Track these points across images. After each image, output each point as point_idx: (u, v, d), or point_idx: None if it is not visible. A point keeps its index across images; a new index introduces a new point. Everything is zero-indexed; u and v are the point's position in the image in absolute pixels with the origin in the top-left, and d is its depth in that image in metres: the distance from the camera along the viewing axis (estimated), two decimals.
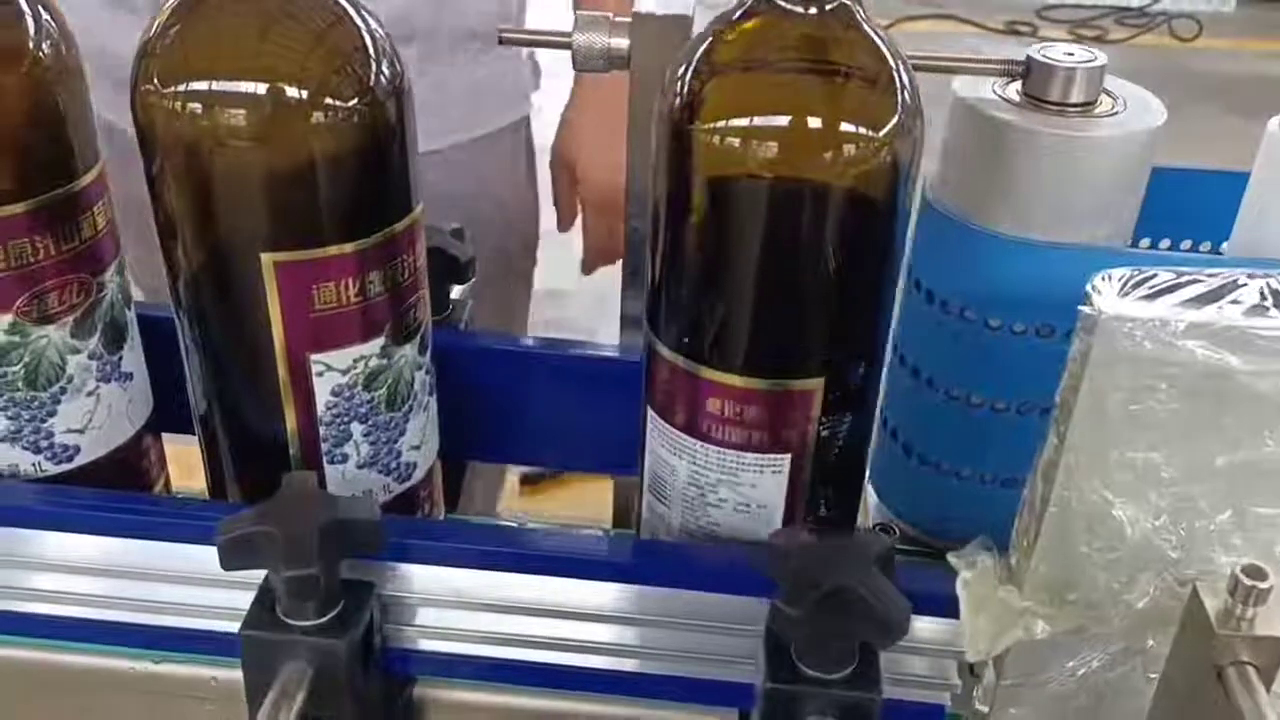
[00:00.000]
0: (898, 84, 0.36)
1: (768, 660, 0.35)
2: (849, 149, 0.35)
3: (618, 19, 0.44)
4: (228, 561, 0.35)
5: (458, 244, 0.51)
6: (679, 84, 0.36)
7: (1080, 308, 0.32)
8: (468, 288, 0.54)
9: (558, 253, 0.94)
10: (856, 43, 0.36)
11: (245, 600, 0.39)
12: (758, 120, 0.34)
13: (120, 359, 0.43)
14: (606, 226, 0.83)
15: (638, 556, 0.41)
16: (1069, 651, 0.35)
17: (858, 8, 0.35)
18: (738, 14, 0.36)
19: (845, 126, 0.35)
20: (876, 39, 0.36)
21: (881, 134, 0.35)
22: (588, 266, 0.89)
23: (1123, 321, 0.31)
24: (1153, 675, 0.35)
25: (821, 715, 0.35)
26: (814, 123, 0.35)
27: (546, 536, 0.40)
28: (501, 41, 0.45)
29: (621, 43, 0.43)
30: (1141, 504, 0.33)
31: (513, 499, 1.57)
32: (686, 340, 0.38)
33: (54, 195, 0.39)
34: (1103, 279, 0.32)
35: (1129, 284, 0.32)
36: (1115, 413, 0.32)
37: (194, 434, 0.46)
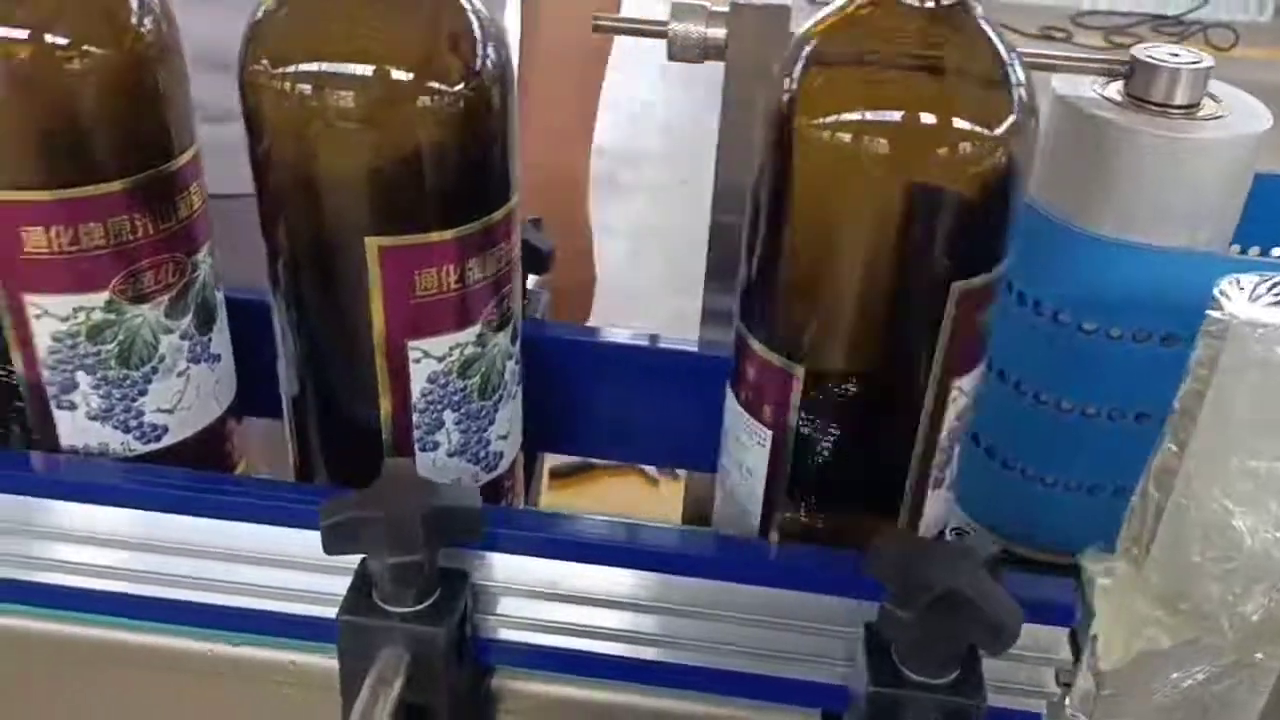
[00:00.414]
0: (1013, 81, 0.35)
1: (869, 663, 0.35)
2: (964, 147, 0.34)
3: (715, 8, 0.43)
4: (330, 545, 0.35)
5: (537, 234, 0.51)
6: (788, 77, 0.35)
7: (1209, 312, 0.31)
8: (542, 279, 0.54)
9: None
10: (972, 38, 0.35)
11: (327, 584, 0.39)
12: (870, 116, 0.34)
13: (210, 340, 0.43)
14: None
15: (728, 552, 0.40)
16: (1175, 663, 0.35)
17: (975, 3, 0.35)
18: (850, 6, 0.35)
19: (961, 124, 0.34)
20: (992, 35, 0.35)
21: (998, 132, 0.34)
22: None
23: (1254, 327, 0.31)
24: (1261, 689, 0.34)
25: None
26: (929, 120, 0.34)
27: (638, 530, 0.40)
28: (596, 29, 0.44)
29: (718, 32, 0.43)
30: (1262, 513, 0.32)
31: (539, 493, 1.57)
32: (782, 337, 0.38)
33: (152, 174, 0.39)
34: (1231, 284, 0.32)
35: (1258, 289, 0.32)
36: (1240, 419, 0.31)
37: (273, 417, 0.46)
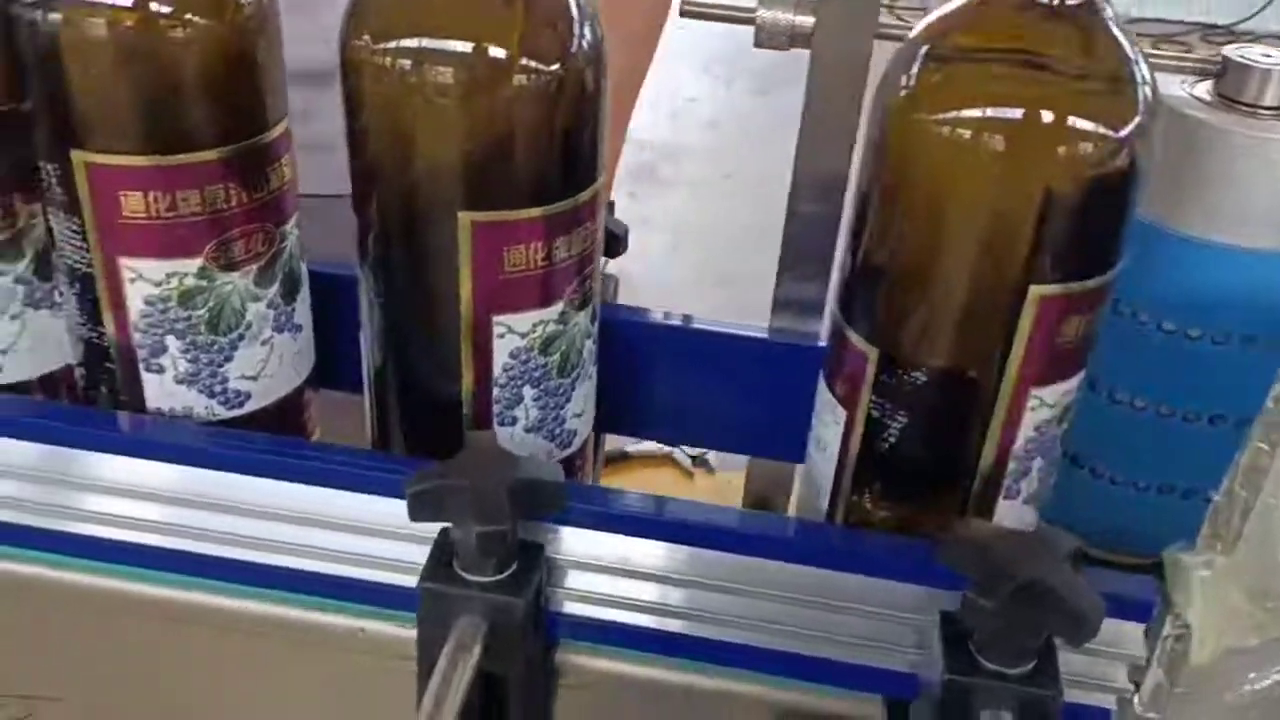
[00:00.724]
0: (1139, 80, 0.35)
1: (945, 651, 0.35)
2: (1087, 148, 0.34)
3: None
4: (415, 513, 0.35)
5: (613, 218, 0.51)
6: (906, 69, 0.35)
7: None
8: (616, 262, 0.54)
9: None
10: (1100, 37, 0.35)
11: (401, 551, 0.39)
12: (992, 113, 0.34)
13: (294, 310, 0.43)
14: None
15: (800, 535, 0.41)
16: (1255, 662, 0.35)
17: (1104, 1, 0.35)
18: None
19: (1085, 124, 0.34)
20: (1119, 33, 0.35)
21: (1123, 133, 0.34)
22: None
23: None
24: None
25: (998, 710, 0.34)
26: (1052, 119, 0.34)
27: (713, 510, 0.40)
28: (684, 14, 0.44)
29: (806, 20, 0.43)
30: None
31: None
32: (862, 316, 0.38)
33: (248, 145, 0.39)
34: None
35: None
36: None
37: (348, 390, 0.47)
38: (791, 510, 0.55)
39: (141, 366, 0.41)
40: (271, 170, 0.40)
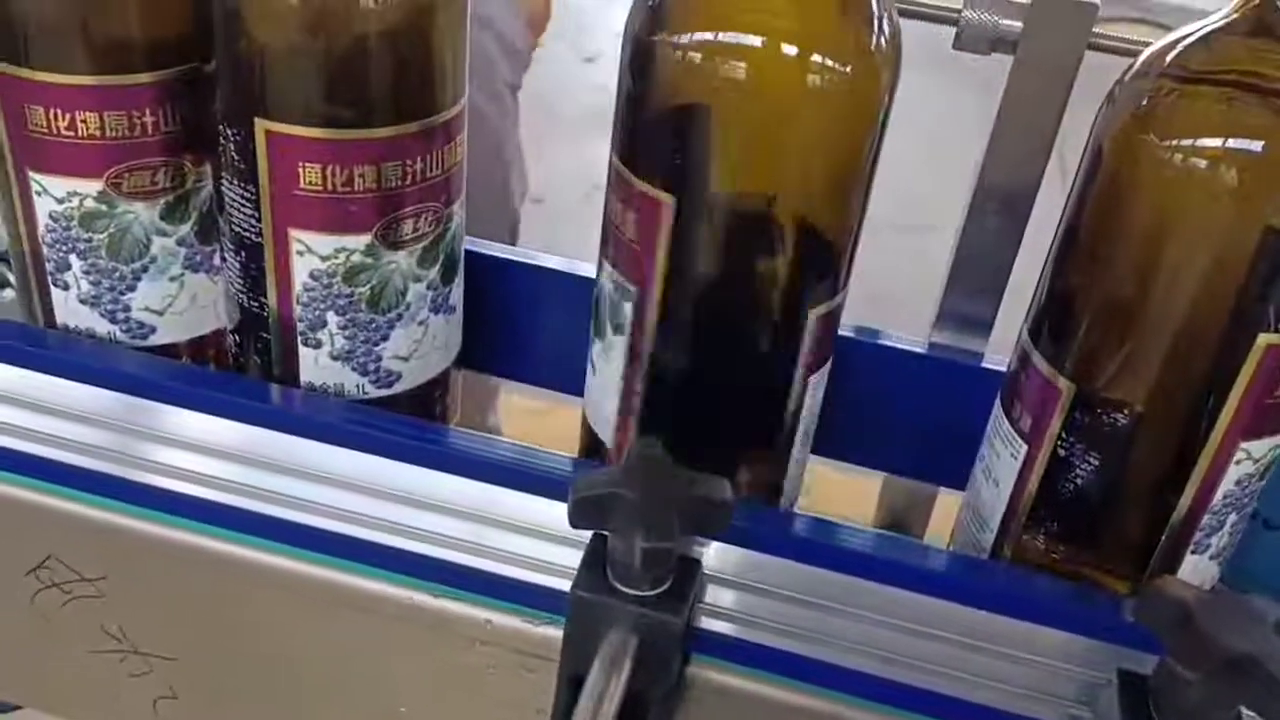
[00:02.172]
0: None
1: (1125, 713, 0.33)
2: None
3: (1012, 0, 0.41)
4: (578, 519, 0.34)
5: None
6: (1135, 92, 0.33)
7: None
8: None
9: None
10: None
11: (535, 549, 0.39)
12: (1228, 144, 0.31)
13: (449, 292, 0.42)
14: None
15: (976, 575, 0.39)
16: None
17: None
18: (1222, 23, 0.32)
19: None
20: None
21: None
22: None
23: None
24: None
25: None
26: None
27: (873, 539, 0.38)
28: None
29: (1013, 25, 0.41)
30: None
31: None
32: (1082, 365, 0.35)
33: (427, 124, 0.38)
34: None
35: None
36: None
37: (489, 373, 0.46)
38: (929, 534, 0.53)
39: (300, 340, 0.40)
40: (445, 150, 0.39)
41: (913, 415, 0.47)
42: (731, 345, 0.38)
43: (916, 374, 0.47)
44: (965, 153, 0.46)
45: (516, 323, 0.50)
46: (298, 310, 0.39)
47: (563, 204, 1.83)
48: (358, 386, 0.41)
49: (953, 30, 0.41)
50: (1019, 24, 0.40)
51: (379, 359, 0.41)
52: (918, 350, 0.47)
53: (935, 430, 0.47)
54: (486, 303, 0.48)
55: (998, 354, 0.47)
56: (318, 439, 0.39)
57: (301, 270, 0.38)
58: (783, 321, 0.37)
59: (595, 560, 0.36)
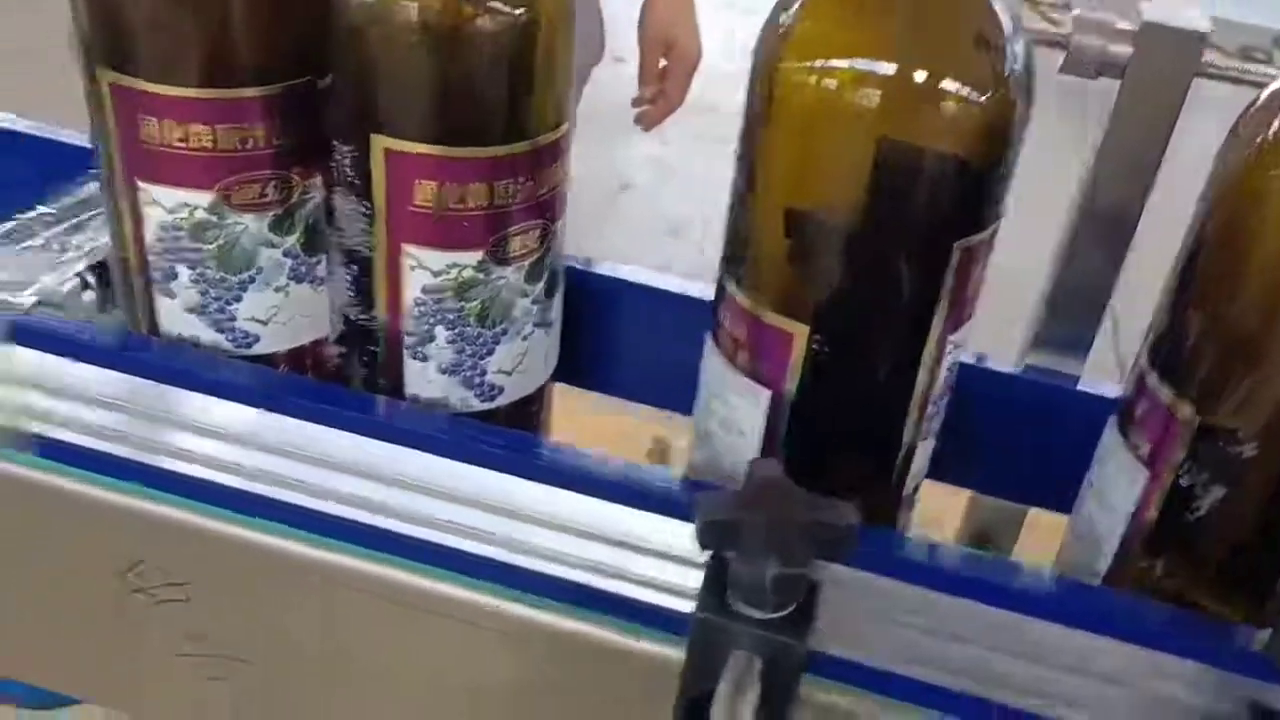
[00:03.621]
0: None
1: None
2: None
3: (1120, 25, 0.41)
4: (706, 541, 0.34)
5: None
6: (1264, 123, 0.33)
7: None
8: None
9: None
10: None
11: (642, 565, 0.39)
12: None
13: (551, 306, 0.42)
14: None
15: (1099, 602, 0.38)
16: None
17: None
18: None
19: None
20: None
21: None
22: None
23: None
24: None
25: None
26: None
27: (993, 563, 0.38)
28: None
29: (1122, 50, 0.40)
30: None
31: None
32: (1210, 394, 0.35)
33: (538, 142, 0.38)
34: None
35: None
36: None
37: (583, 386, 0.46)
38: (1021, 553, 0.53)
39: (407, 354, 0.40)
40: (552, 168, 0.39)
41: (1009, 436, 0.47)
42: (868, 381, 0.38)
43: (1013, 396, 0.47)
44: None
45: (596, 334, 0.50)
46: (407, 324, 0.39)
47: (592, 202, 1.82)
48: (461, 400, 0.41)
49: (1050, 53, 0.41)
50: (1128, 49, 0.40)
51: (484, 373, 0.41)
52: (1014, 373, 0.47)
53: (1027, 452, 0.47)
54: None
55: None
56: (433, 451, 0.39)
57: (413, 285, 0.38)
58: (910, 356, 0.37)
59: (716, 582, 0.35)
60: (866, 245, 0.36)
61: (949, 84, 0.34)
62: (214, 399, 0.40)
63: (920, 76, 0.34)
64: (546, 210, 0.40)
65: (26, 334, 0.40)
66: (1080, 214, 0.44)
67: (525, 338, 0.41)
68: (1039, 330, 0.47)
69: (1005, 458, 0.47)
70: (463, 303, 0.39)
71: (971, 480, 0.49)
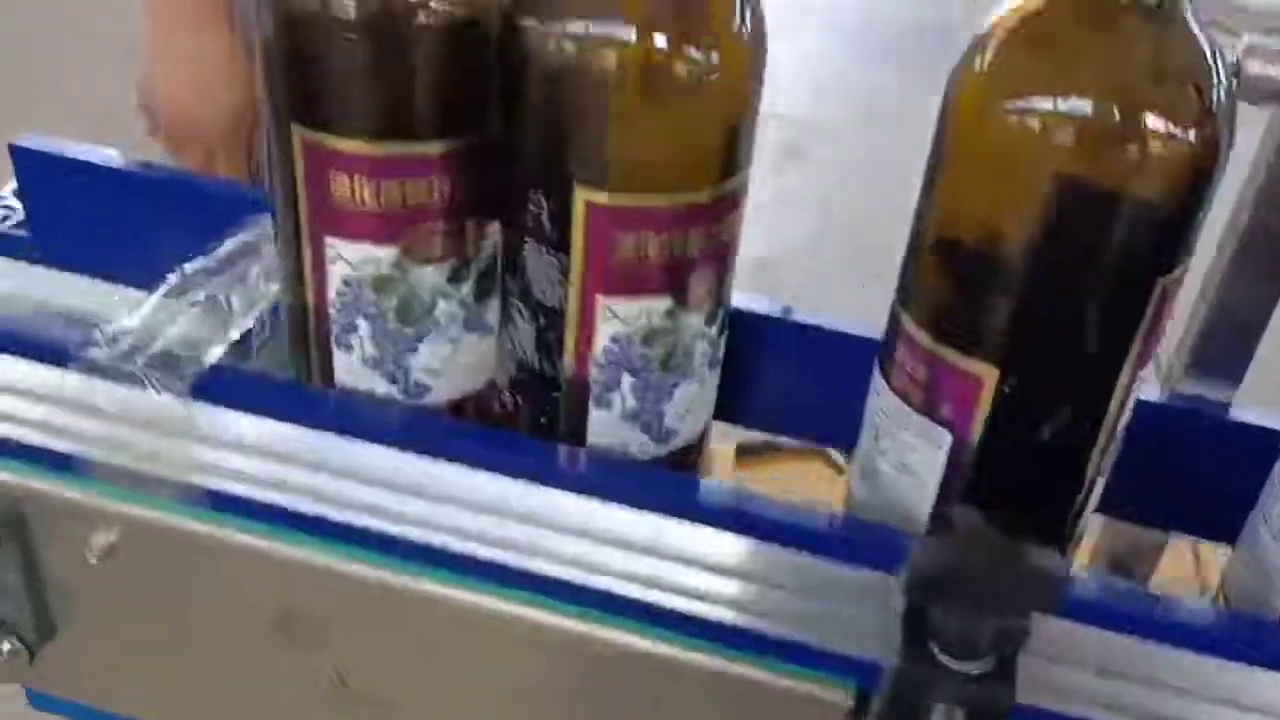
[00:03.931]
0: None
1: None
2: None
3: None
4: (917, 595, 0.34)
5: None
6: None
7: None
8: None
9: None
10: None
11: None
12: None
13: (720, 347, 0.42)
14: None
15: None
16: None
17: None
18: None
19: None
20: None
21: None
22: None
23: None
24: None
25: None
26: None
27: (1196, 609, 0.38)
28: None
29: None
30: None
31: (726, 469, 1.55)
32: None
33: (727, 188, 0.38)
34: None
35: None
36: None
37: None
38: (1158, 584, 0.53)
39: (592, 402, 0.40)
40: (732, 216, 0.39)
41: (1149, 463, 0.47)
42: (1058, 422, 0.38)
43: (1161, 425, 0.47)
44: None
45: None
46: (594, 372, 0.39)
47: None
48: (641, 447, 0.41)
49: None
50: None
51: (662, 417, 0.41)
52: (1162, 401, 0.47)
53: (1173, 481, 0.47)
54: None
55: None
56: (618, 500, 0.39)
57: (604, 334, 0.39)
58: (1102, 395, 0.37)
59: (917, 632, 0.36)
60: (1069, 286, 0.36)
61: (1157, 122, 0.34)
62: (386, 449, 0.40)
63: (1128, 115, 0.34)
64: (727, 256, 0.40)
65: (207, 391, 0.41)
66: (1243, 239, 0.44)
67: (704, 383, 0.41)
68: (1191, 356, 0.47)
69: (1156, 486, 0.47)
70: (648, 349, 0.39)
71: (1120, 509, 0.49)
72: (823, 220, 2.24)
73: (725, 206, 0.38)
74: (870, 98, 2.67)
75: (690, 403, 0.41)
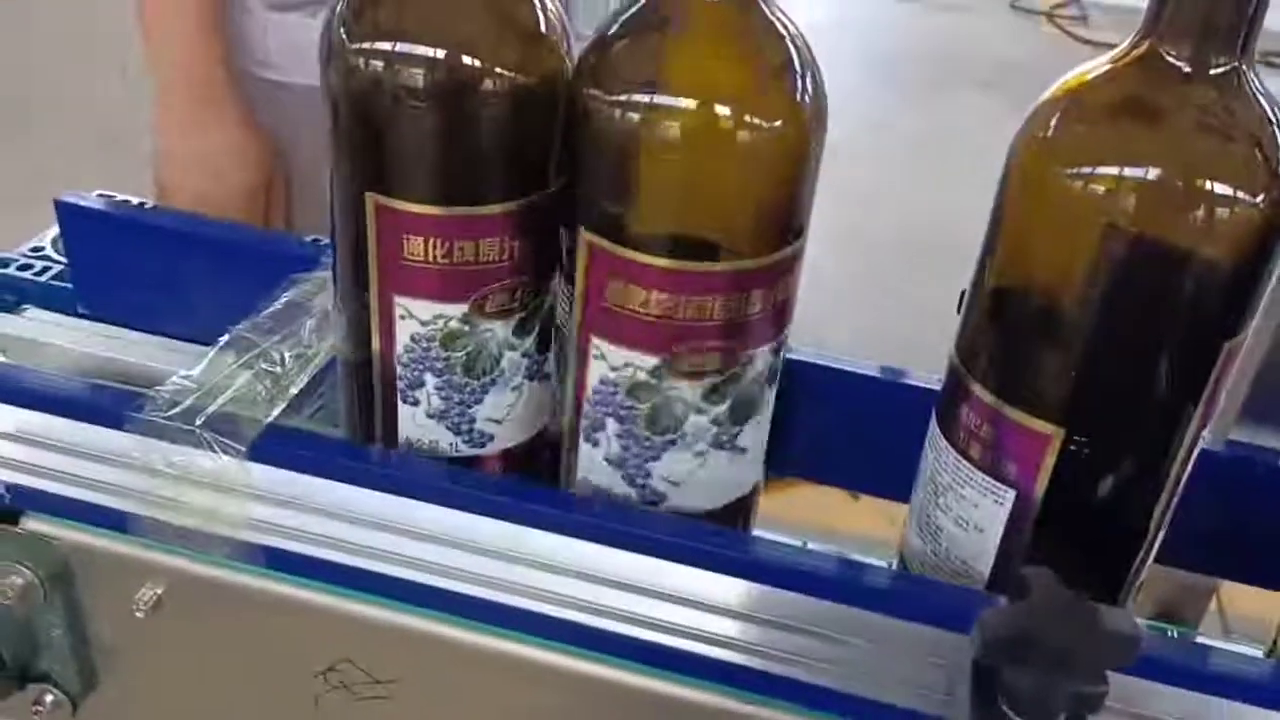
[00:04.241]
0: None
1: None
2: None
3: None
4: (989, 655, 0.34)
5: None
6: None
7: None
8: None
9: None
10: None
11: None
12: None
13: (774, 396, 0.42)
14: None
15: None
16: None
17: None
18: None
19: None
20: None
21: None
22: None
23: None
24: None
25: None
26: None
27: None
28: None
29: None
30: None
31: None
32: None
33: (780, 254, 0.38)
34: None
35: None
36: None
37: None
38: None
39: (583, 441, 0.40)
40: (789, 278, 0.39)
41: (1211, 512, 0.47)
42: (1123, 479, 0.38)
43: (1213, 472, 0.47)
44: None
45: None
46: (584, 418, 0.40)
47: None
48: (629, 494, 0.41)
49: None
50: None
51: (649, 475, 0.41)
52: (1215, 449, 0.47)
53: (1225, 526, 0.47)
54: None
55: None
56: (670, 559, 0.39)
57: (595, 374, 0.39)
58: (1167, 452, 0.38)
59: (988, 693, 0.36)
60: (1138, 350, 0.36)
61: (1225, 188, 0.34)
62: (445, 509, 0.40)
63: (1198, 182, 0.34)
64: (783, 321, 0.40)
65: (263, 452, 0.41)
66: None
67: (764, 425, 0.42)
68: (1246, 402, 0.47)
69: (1208, 533, 0.47)
70: (711, 407, 0.39)
71: (1172, 556, 0.49)
72: (824, 240, 2.23)
73: (773, 276, 0.38)
74: (871, 122, 2.68)
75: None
